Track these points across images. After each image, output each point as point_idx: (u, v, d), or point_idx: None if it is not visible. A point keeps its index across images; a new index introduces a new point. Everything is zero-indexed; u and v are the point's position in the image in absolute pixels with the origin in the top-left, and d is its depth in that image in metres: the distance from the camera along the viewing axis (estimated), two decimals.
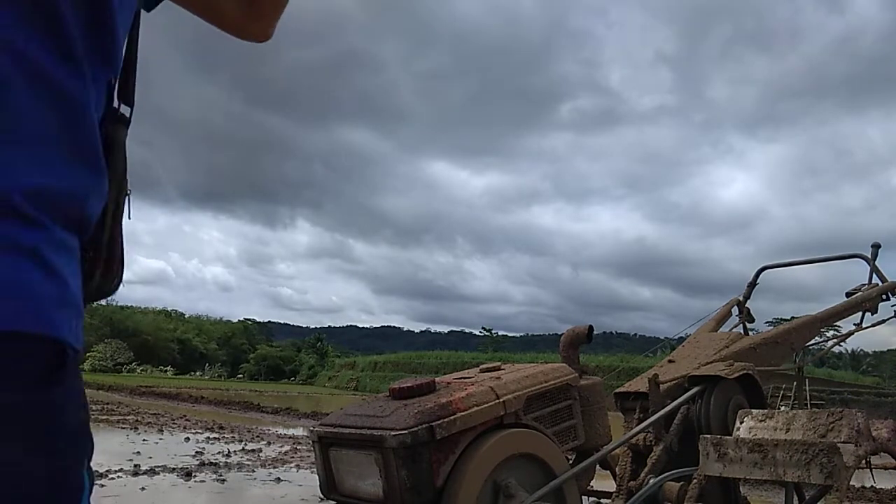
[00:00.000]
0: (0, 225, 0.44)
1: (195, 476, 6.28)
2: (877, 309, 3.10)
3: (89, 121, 0.51)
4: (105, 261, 0.62)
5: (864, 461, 1.83)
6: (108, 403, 16.50)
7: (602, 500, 2.29)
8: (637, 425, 2.27)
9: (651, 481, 2.10)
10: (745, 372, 2.36)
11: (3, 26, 0.46)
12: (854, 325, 3.10)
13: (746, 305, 3.30)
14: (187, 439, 9.53)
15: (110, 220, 0.62)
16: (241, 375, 62.10)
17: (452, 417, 1.64)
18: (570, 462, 1.99)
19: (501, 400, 1.77)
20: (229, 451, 8.25)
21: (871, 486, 6.68)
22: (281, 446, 9.26)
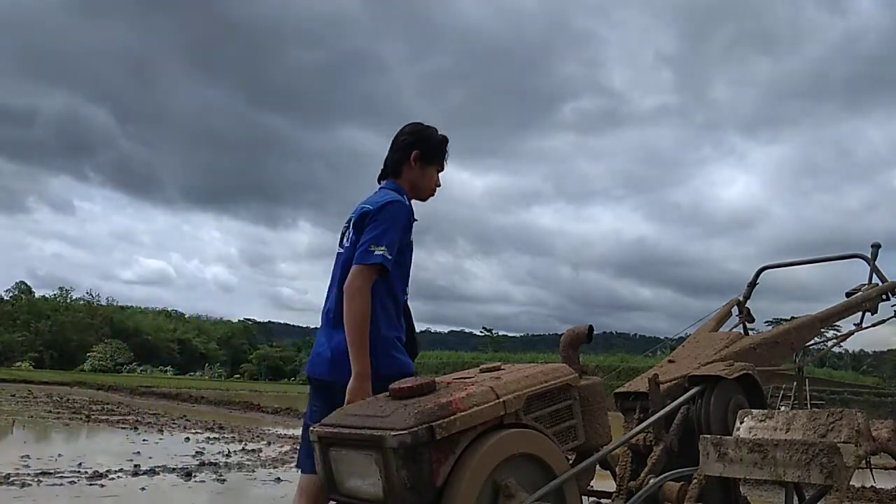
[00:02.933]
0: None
1: (195, 476, 6.29)
2: (877, 309, 3.10)
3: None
4: (409, 340, 2.36)
5: (864, 461, 1.83)
6: (108, 403, 16.50)
7: (602, 500, 2.29)
8: (637, 425, 2.26)
9: (651, 481, 2.10)
10: (745, 372, 2.36)
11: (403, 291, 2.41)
12: (854, 325, 3.10)
13: (746, 305, 3.30)
14: (187, 439, 9.53)
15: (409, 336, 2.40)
16: (238, 376, 62.03)
17: (452, 417, 1.63)
18: (570, 462, 1.99)
19: (501, 400, 1.76)
20: (229, 451, 8.25)
21: (871, 486, 6.68)
22: (281, 446, 9.26)
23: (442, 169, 2.51)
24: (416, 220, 2.45)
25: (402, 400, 1.73)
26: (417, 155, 2.43)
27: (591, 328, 2.31)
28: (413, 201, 2.46)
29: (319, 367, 2.27)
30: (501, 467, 1.71)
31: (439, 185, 2.52)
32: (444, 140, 2.51)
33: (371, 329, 2.16)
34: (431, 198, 2.51)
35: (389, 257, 2.23)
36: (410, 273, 2.45)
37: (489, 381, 1.86)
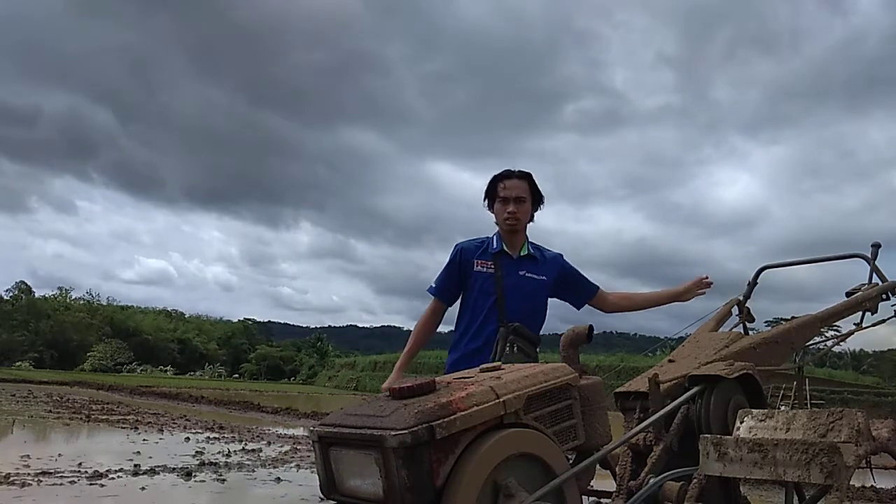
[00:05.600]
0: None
1: (195, 476, 6.29)
2: (877, 309, 3.09)
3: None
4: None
5: (864, 461, 1.83)
6: (108, 403, 16.50)
7: (602, 500, 2.29)
8: (637, 425, 2.26)
9: (651, 481, 2.09)
10: (745, 372, 2.36)
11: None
12: (854, 325, 3.09)
13: (746, 305, 3.29)
14: (187, 439, 9.53)
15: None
16: (236, 375, 61.96)
17: (452, 417, 1.63)
18: (570, 462, 1.99)
19: (501, 400, 1.76)
20: (229, 451, 8.26)
21: (871, 486, 6.69)
22: (281, 446, 9.27)
23: (504, 199, 2.92)
24: (497, 249, 2.96)
25: (402, 400, 1.73)
26: (486, 204, 3.02)
27: (591, 328, 2.31)
28: (510, 235, 2.96)
29: None
30: (501, 467, 1.71)
31: (509, 211, 2.91)
32: (494, 176, 2.97)
33: None
34: (513, 224, 2.92)
35: (433, 285, 3.03)
36: (493, 298, 2.88)
37: (489, 380, 1.85)
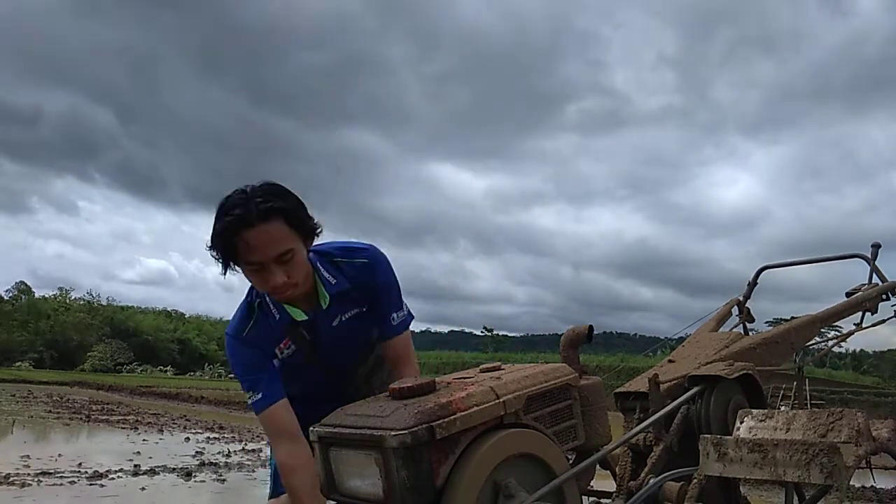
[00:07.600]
0: None
1: (195, 476, 6.29)
2: (877, 309, 3.09)
3: None
4: None
5: (864, 461, 1.83)
6: (108, 403, 16.51)
7: (602, 500, 2.29)
8: (637, 425, 2.26)
9: (651, 481, 2.09)
10: (745, 372, 2.36)
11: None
12: (854, 325, 3.09)
13: (746, 305, 3.30)
14: (187, 439, 9.53)
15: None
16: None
17: (452, 417, 1.63)
18: (570, 462, 1.99)
19: (501, 400, 1.76)
20: (229, 451, 8.26)
21: (871, 486, 6.69)
22: None
23: (256, 266, 1.70)
24: (285, 320, 1.89)
25: (402, 400, 1.73)
26: (220, 266, 1.74)
27: (591, 328, 2.31)
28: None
29: None
30: (501, 467, 1.71)
31: (274, 286, 1.73)
32: (220, 227, 1.66)
33: None
34: (290, 295, 1.79)
35: (261, 395, 1.88)
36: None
37: (489, 381, 1.85)
